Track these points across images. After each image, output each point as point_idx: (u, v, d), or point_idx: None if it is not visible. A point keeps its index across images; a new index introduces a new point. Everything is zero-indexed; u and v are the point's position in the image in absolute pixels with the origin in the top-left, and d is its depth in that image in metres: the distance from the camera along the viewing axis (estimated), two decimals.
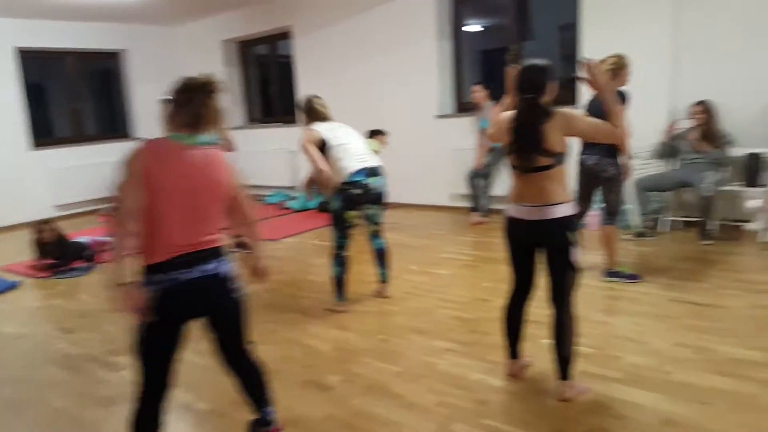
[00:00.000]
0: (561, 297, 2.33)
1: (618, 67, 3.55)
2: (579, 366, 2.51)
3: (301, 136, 3.54)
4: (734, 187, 4.70)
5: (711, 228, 4.55)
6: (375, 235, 3.71)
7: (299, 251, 5.27)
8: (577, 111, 2.33)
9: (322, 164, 3.42)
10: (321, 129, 3.53)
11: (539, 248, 2.37)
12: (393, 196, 6.38)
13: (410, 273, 4.29)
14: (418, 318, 3.41)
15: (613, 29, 5.09)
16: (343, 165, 3.45)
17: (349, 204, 3.47)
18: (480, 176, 5.78)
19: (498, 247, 4.94)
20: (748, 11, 4.60)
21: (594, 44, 5.24)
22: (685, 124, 4.83)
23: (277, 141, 8.12)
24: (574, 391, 2.38)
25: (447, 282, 4.08)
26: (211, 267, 1.94)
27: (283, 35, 7.92)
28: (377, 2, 6.71)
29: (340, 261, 3.58)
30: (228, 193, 1.98)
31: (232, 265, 2.04)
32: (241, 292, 2.06)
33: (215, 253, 1.97)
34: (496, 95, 7.04)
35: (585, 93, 5.24)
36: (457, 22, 6.55)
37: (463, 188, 6.12)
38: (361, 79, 6.93)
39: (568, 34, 5.60)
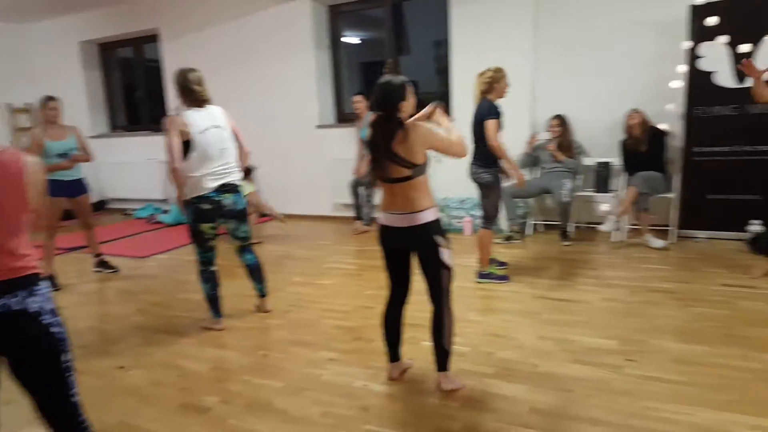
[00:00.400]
0: (439, 295, 2.48)
1: (494, 81, 3.74)
2: (456, 364, 2.65)
3: (165, 121, 3.11)
4: (588, 193, 5.22)
5: (570, 230, 5.00)
6: (243, 250, 3.49)
7: (172, 269, 4.96)
8: (434, 126, 2.45)
9: (177, 162, 3.04)
10: (190, 120, 3.09)
11: (412, 252, 2.49)
12: (277, 207, 6.32)
13: (294, 285, 4.21)
14: (301, 330, 3.35)
15: (479, 48, 5.43)
16: (196, 178, 3.12)
17: (200, 217, 3.20)
18: (362, 185, 5.85)
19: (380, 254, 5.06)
20: (597, 34, 5.15)
21: (463, 60, 5.57)
22: (544, 136, 5.28)
23: (145, 150, 7.62)
24: (451, 383, 2.54)
25: (331, 292, 4.06)
26: (9, 302, 1.56)
27: (151, 38, 7.48)
28: (252, 9, 6.58)
29: (207, 277, 3.37)
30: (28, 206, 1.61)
31: (42, 297, 1.63)
32: (54, 331, 1.64)
33: (15, 284, 1.58)
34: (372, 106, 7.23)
35: (457, 108, 5.58)
36: (336, 34, 6.62)
37: (346, 198, 6.16)
38: (239, 87, 6.73)
39: (442, 49, 5.89)
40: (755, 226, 4.41)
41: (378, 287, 4.00)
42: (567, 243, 4.90)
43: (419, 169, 2.37)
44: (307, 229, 6.21)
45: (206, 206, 3.18)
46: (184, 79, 3.15)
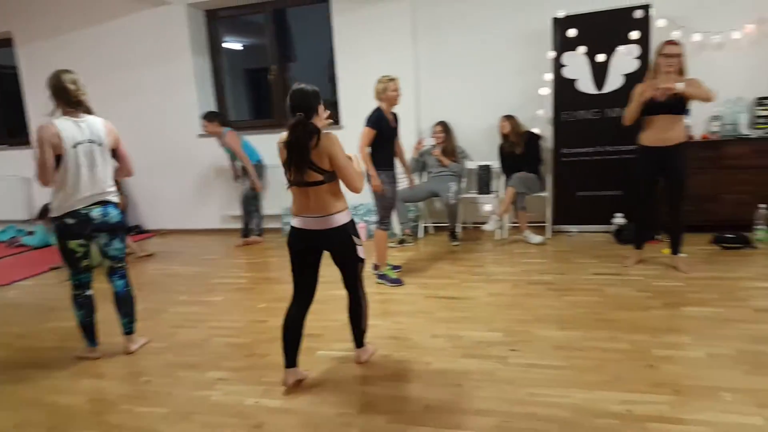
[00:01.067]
0: (355, 285, 2.71)
1: (379, 90, 3.90)
2: (353, 371, 2.69)
3: (37, 131, 2.82)
4: (472, 195, 5.47)
5: (458, 231, 5.21)
6: (113, 272, 3.14)
7: (38, 295, 4.49)
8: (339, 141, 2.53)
9: (47, 174, 2.80)
10: (63, 131, 2.80)
11: (328, 251, 2.61)
12: (160, 222, 5.97)
13: (180, 304, 3.98)
14: (187, 351, 3.17)
15: (362, 56, 5.54)
16: (62, 196, 2.87)
17: (67, 233, 2.92)
18: (251, 196, 5.68)
19: (274, 265, 4.93)
20: (473, 44, 5.43)
21: (348, 69, 5.64)
22: (429, 141, 5.47)
23: (3, 166, 6.86)
24: (368, 355, 2.87)
25: (221, 309, 3.89)
26: None
27: (4, 42, 6.77)
28: (122, 12, 6.19)
29: (81, 303, 3.07)
30: None
31: None
32: None
33: None
34: (261, 113, 7.09)
35: (345, 116, 5.62)
36: (215, 39, 6.40)
37: (235, 209, 5.96)
38: (112, 95, 6.25)
39: (330, 57, 5.90)
40: (619, 219, 4.88)
41: (272, 299, 3.91)
42: (455, 243, 5.09)
43: (330, 175, 2.48)
44: (192, 244, 5.92)
45: (72, 221, 2.90)
46: (57, 80, 2.84)
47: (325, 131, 2.46)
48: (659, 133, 3.67)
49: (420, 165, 5.46)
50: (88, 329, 3.13)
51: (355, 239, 2.60)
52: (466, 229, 5.53)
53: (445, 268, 4.41)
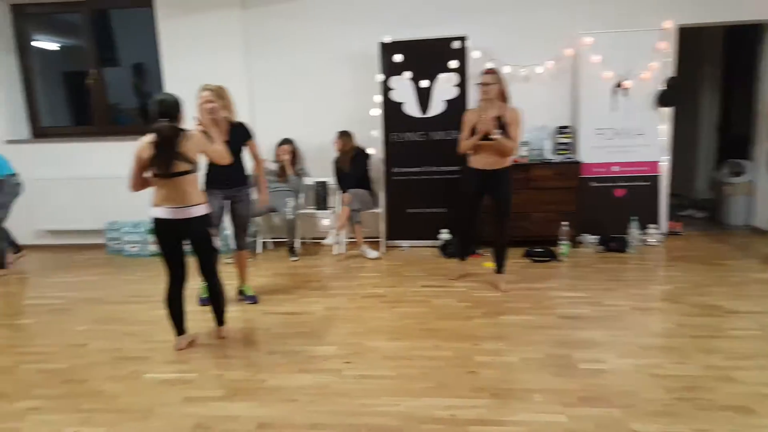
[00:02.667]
0: (211, 270, 3.17)
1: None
2: (183, 392, 2.62)
3: None
4: (310, 210, 5.55)
5: (296, 246, 5.24)
6: None
7: None
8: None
9: None
10: None
11: (185, 240, 3.04)
12: None
13: None
14: None
15: (192, 65, 5.37)
16: None
17: None
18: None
19: (97, 284, 4.49)
20: (307, 64, 5.55)
21: (176, 77, 5.42)
22: (270, 159, 5.45)
23: None
24: (230, 332, 3.35)
25: (32, 332, 3.48)
26: None
27: None
28: None
29: None
30: None
31: None
32: None
33: None
34: (81, 120, 6.45)
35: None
36: (23, 37, 5.72)
37: (55, 223, 5.36)
38: None
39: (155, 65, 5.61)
40: (444, 234, 5.31)
41: (94, 321, 3.60)
42: (294, 258, 5.12)
43: (195, 166, 2.97)
44: None
45: None
46: None
47: (189, 131, 2.98)
48: (487, 158, 3.90)
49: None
50: None
51: (210, 230, 3.08)
52: (305, 245, 5.59)
53: (284, 284, 4.41)
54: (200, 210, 3.00)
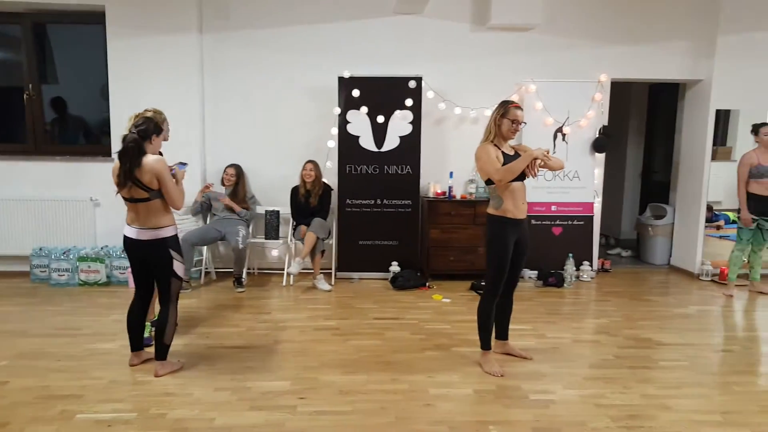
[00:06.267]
0: (167, 299, 3.05)
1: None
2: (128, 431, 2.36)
3: None
4: (260, 240, 5.43)
5: (243, 277, 5.08)
6: None
7: None
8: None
9: None
10: None
11: (147, 261, 3.02)
12: None
13: None
14: None
15: (141, 87, 5.21)
16: None
17: None
18: None
19: (17, 316, 4.15)
20: (266, 92, 5.52)
21: (123, 97, 5.25)
22: (218, 184, 5.32)
23: None
24: (166, 370, 3.11)
25: None
26: None
27: None
28: None
29: None
30: None
31: None
32: None
33: None
34: (10, 137, 6.04)
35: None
36: None
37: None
38: None
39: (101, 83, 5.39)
40: (394, 267, 5.32)
41: (15, 356, 3.31)
42: (241, 290, 4.96)
43: (155, 193, 2.90)
44: None
45: None
46: None
47: (154, 156, 2.90)
48: (523, 203, 3.18)
49: (205, 207, 5.26)
50: None
51: (174, 255, 2.99)
52: (252, 275, 5.44)
53: (230, 316, 4.26)
54: (165, 233, 2.98)
